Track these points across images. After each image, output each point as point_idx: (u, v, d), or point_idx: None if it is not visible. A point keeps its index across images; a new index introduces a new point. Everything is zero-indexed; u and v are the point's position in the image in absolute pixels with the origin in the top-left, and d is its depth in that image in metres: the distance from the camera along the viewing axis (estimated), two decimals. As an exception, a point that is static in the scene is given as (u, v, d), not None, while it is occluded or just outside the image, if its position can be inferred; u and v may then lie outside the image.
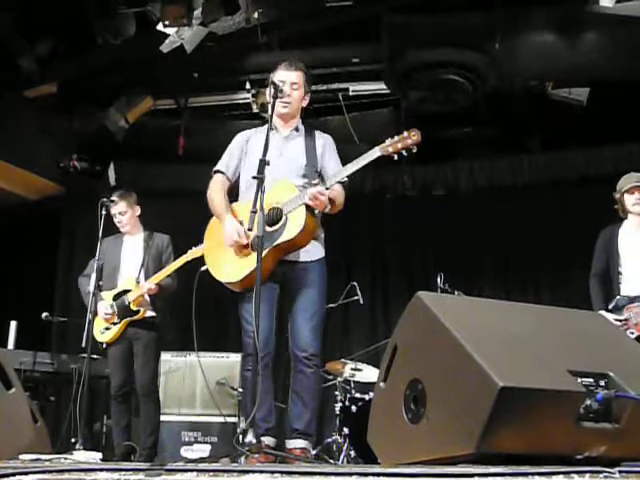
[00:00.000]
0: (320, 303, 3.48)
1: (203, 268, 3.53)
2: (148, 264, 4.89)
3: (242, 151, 3.62)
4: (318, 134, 3.65)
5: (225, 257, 3.47)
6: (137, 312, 4.75)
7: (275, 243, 3.30)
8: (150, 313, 4.83)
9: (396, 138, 3.26)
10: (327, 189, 3.30)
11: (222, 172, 3.64)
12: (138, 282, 4.81)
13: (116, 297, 4.80)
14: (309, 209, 3.32)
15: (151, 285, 4.74)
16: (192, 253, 4.66)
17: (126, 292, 4.80)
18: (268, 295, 3.37)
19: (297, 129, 3.62)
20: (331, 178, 3.36)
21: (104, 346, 4.78)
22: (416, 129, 3.27)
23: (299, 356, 3.37)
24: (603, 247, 4.53)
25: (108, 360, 4.86)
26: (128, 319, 4.75)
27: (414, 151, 3.27)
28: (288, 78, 3.54)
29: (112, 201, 4.81)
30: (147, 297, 4.80)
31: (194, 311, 3.40)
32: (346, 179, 3.45)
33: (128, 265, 4.92)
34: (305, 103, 3.65)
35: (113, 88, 6.47)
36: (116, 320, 4.77)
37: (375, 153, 3.28)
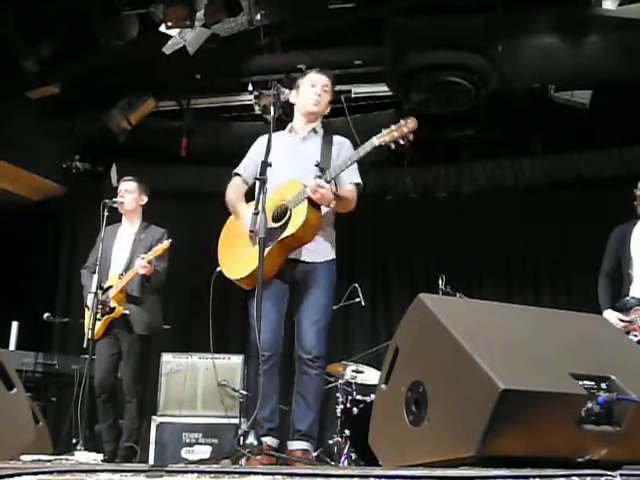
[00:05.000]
0: (326, 306, 3.48)
1: (218, 269, 3.55)
2: (135, 258, 4.78)
3: (260, 154, 3.64)
4: (336, 138, 3.66)
5: (235, 255, 3.51)
6: (114, 309, 4.71)
7: (280, 238, 3.32)
8: (125, 311, 4.76)
9: (392, 127, 3.25)
10: (328, 182, 3.31)
11: (239, 174, 3.70)
12: (120, 278, 4.76)
13: (104, 293, 4.77)
14: (312, 203, 3.33)
15: (143, 262, 4.61)
16: (162, 247, 4.62)
17: (111, 288, 4.76)
18: (278, 296, 3.43)
19: (315, 131, 3.66)
20: (331, 172, 3.36)
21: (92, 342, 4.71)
22: (413, 117, 3.26)
23: (303, 358, 3.38)
24: (615, 246, 4.40)
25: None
26: (107, 316, 4.71)
27: (411, 139, 3.24)
28: (320, 80, 3.63)
29: (125, 180, 4.92)
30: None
31: (211, 313, 3.42)
32: (360, 182, 3.51)
33: (118, 259, 4.87)
34: (327, 111, 3.72)
35: (116, 89, 6.47)
36: (99, 317, 4.71)
37: (372, 143, 3.27)
